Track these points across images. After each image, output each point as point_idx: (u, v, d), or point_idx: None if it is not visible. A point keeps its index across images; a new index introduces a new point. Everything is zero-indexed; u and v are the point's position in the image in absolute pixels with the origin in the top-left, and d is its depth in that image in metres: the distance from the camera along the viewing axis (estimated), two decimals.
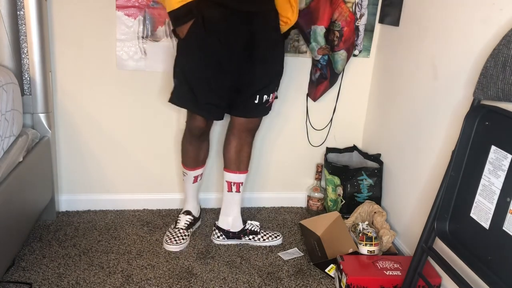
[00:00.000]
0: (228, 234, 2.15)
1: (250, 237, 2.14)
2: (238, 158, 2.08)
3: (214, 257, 2.04)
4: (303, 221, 2.33)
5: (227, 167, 2.11)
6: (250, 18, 1.80)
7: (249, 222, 2.18)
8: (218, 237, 2.15)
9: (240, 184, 2.13)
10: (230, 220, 2.15)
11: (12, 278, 1.80)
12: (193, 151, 2.09)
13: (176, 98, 1.91)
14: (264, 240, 2.14)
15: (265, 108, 2.00)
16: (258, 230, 2.16)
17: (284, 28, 1.96)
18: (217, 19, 1.78)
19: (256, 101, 1.93)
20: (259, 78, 1.91)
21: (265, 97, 1.94)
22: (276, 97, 2.04)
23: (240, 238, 2.15)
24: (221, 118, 1.98)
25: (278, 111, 2.40)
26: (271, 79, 1.96)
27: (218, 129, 2.36)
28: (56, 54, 2.13)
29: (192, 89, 1.85)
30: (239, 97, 1.94)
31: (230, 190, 2.13)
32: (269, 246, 2.14)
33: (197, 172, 2.16)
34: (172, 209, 2.44)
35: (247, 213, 2.44)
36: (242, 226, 2.15)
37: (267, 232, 2.18)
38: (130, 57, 2.18)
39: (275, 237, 2.16)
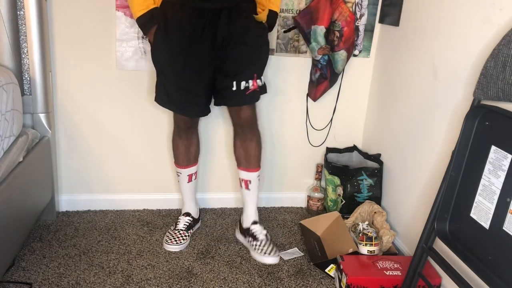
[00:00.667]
0: (240, 228, 2.16)
1: (250, 238, 2.08)
2: (243, 155, 2.06)
3: (214, 257, 2.04)
4: (303, 221, 2.33)
5: (237, 164, 2.10)
6: (216, 15, 1.77)
7: (258, 226, 2.09)
8: (236, 229, 2.20)
9: (248, 182, 2.09)
10: (244, 215, 2.15)
11: (12, 278, 1.80)
12: (183, 147, 2.11)
13: (157, 97, 1.97)
14: (257, 250, 2.02)
15: (246, 96, 1.89)
16: (259, 237, 2.05)
17: (262, 15, 1.90)
18: (181, 21, 1.78)
19: (234, 88, 1.86)
20: (233, 64, 1.85)
21: (243, 83, 1.85)
22: (260, 88, 1.93)
23: (245, 236, 2.12)
24: (204, 115, 2.00)
25: (278, 111, 2.40)
26: (248, 64, 1.87)
27: (218, 129, 2.36)
28: (56, 54, 2.13)
29: (167, 90, 1.91)
30: (220, 88, 1.92)
31: (240, 186, 2.13)
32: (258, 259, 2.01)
33: (191, 170, 2.16)
34: (172, 209, 2.44)
35: None
36: (248, 226, 2.10)
37: (269, 245, 2.03)
38: (130, 57, 2.18)
39: (271, 253, 2.00)
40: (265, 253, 1.99)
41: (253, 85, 1.88)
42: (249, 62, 1.87)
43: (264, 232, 2.08)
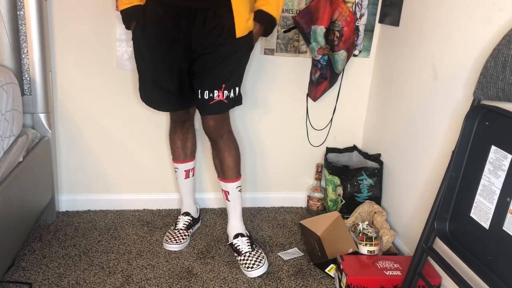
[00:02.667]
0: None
1: (235, 254, 2.02)
2: (219, 165, 2.02)
3: (214, 257, 2.04)
4: (303, 221, 2.33)
5: (217, 175, 2.07)
6: (193, 16, 1.73)
7: (240, 239, 2.03)
8: None
9: (227, 193, 2.04)
10: (227, 229, 2.12)
11: (12, 278, 1.80)
12: (180, 141, 2.11)
13: (140, 94, 1.99)
14: (242, 265, 1.96)
15: (209, 106, 1.82)
16: (242, 251, 1.99)
17: (265, 7, 1.78)
18: (158, 18, 1.77)
19: (199, 96, 1.83)
20: (201, 72, 1.82)
21: (206, 92, 1.80)
22: (230, 100, 1.84)
23: (232, 250, 2.08)
24: (179, 109, 2.01)
25: (278, 111, 2.40)
26: (214, 74, 1.79)
27: None
28: (56, 54, 2.13)
29: (144, 86, 1.93)
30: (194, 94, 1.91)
31: (223, 197, 2.10)
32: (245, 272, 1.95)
33: (188, 165, 2.16)
34: (172, 209, 2.44)
35: (247, 213, 2.43)
36: (231, 240, 2.05)
37: (253, 256, 1.97)
38: (130, 57, 2.18)
39: (254, 265, 1.93)
40: (248, 267, 1.93)
41: (218, 95, 1.80)
42: (216, 72, 1.79)
43: (247, 243, 2.01)
